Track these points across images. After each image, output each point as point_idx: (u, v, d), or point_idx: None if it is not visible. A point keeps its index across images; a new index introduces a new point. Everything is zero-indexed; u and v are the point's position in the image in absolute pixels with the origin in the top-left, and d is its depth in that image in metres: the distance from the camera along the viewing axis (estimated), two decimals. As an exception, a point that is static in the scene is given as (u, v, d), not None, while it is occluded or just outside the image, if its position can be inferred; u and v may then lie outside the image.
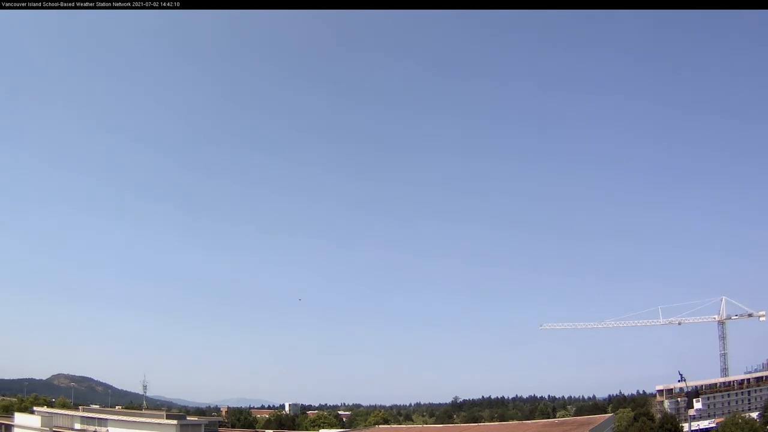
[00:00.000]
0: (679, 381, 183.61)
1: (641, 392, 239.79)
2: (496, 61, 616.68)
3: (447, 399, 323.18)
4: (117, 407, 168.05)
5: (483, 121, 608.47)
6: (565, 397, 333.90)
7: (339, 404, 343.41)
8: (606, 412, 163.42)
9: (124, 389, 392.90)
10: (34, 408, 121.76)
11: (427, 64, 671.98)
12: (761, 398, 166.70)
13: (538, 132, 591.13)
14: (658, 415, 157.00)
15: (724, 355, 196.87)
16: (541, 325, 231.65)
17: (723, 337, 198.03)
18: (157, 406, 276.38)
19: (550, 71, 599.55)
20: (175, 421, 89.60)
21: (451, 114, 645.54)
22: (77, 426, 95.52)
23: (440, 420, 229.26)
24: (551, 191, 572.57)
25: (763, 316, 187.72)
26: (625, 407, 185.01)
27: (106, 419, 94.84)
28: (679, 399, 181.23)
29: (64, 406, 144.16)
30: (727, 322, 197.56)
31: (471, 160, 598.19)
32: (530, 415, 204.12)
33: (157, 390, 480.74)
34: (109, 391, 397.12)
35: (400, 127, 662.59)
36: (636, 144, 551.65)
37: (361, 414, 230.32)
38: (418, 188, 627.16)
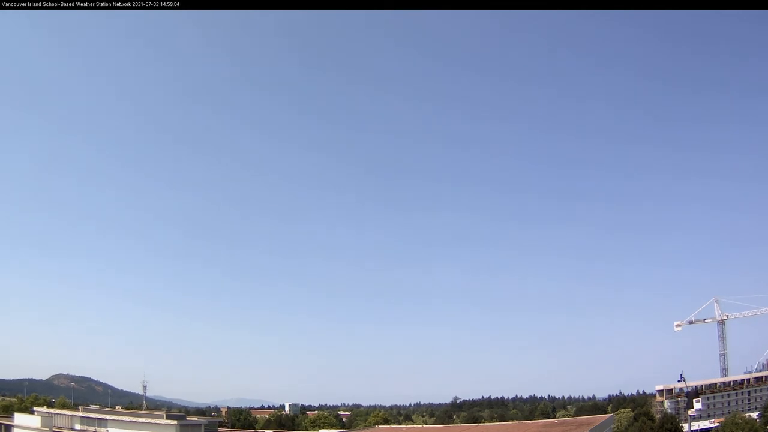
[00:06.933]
0: (679, 381, 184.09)
1: (641, 392, 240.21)
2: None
3: (447, 399, 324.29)
4: (117, 407, 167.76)
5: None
6: (565, 397, 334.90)
7: (339, 404, 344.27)
8: (606, 412, 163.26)
9: (124, 389, 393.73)
10: (34, 408, 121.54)
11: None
12: (761, 398, 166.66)
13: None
14: (658, 415, 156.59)
15: (724, 355, 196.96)
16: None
17: (723, 337, 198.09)
18: (157, 406, 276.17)
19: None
20: (174, 422, 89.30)
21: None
22: (77, 426, 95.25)
23: (440, 420, 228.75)
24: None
25: None
26: (625, 407, 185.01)
27: (106, 419, 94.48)
28: (679, 399, 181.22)
29: (64, 407, 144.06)
30: (727, 321, 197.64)
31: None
32: (530, 415, 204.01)
33: (157, 390, 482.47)
34: (109, 391, 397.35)
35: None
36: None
37: (361, 414, 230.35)
38: (427, 182, 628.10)
